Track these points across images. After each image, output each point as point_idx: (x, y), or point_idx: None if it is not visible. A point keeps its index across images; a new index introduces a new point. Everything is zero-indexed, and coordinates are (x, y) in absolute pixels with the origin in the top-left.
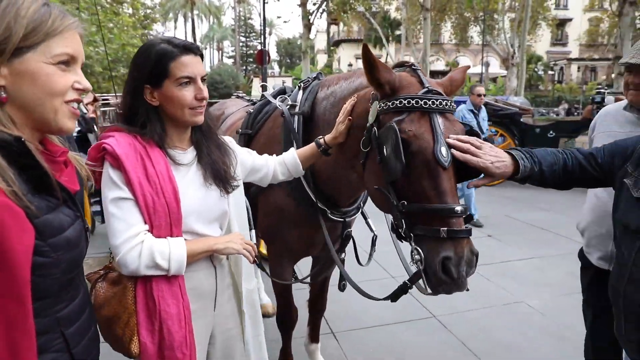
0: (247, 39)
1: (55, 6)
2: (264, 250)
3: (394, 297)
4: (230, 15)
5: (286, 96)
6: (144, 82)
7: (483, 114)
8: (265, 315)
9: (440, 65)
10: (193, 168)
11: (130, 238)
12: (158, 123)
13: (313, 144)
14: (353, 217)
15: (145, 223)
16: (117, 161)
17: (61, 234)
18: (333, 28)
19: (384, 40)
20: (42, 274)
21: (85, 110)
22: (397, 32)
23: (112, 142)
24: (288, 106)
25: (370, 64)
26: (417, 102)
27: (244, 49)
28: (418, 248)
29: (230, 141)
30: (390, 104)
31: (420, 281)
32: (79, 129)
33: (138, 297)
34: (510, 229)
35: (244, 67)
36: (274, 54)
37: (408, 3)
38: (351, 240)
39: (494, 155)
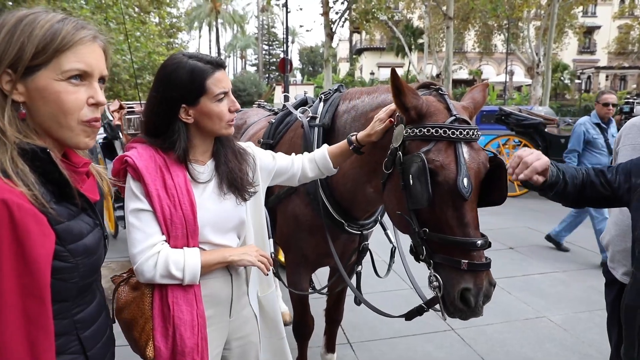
0: (270, 47)
1: (70, 21)
2: (282, 258)
3: (409, 316)
4: (254, 24)
5: (307, 107)
6: (179, 101)
7: (613, 129)
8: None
9: (463, 74)
10: (212, 182)
11: (147, 248)
12: (184, 139)
13: (345, 142)
14: (370, 230)
15: (163, 234)
16: (137, 173)
17: (80, 241)
18: (355, 36)
19: (407, 49)
20: (62, 278)
21: (111, 118)
22: (420, 41)
23: (134, 154)
24: (309, 118)
25: (398, 88)
26: (444, 132)
27: (267, 57)
28: (437, 275)
29: (249, 145)
30: (417, 130)
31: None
32: (104, 135)
33: (154, 303)
34: (532, 242)
35: (267, 75)
36: (296, 62)
37: (431, 11)
38: (369, 252)
39: (535, 156)
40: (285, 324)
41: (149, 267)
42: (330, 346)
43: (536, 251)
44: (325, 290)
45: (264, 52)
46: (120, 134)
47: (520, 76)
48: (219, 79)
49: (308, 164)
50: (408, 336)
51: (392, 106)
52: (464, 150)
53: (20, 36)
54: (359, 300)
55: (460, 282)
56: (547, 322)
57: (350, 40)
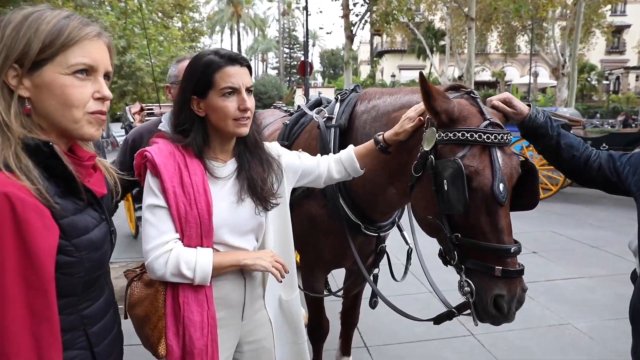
0: (291, 50)
1: (76, 17)
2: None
3: (438, 320)
4: (275, 27)
5: (323, 108)
6: (191, 92)
7: None
8: None
9: (486, 76)
10: (230, 182)
11: (159, 245)
12: (200, 133)
13: (371, 142)
14: (388, 232)
15: (177, 232)
16: (155, 169)
17: (85, 235)
18: (376, 39)
19: (428, 51)
20: (67, 273)
21: (132, 120)
22: (442, 43)
23: (154, 149)
24: (325, 118)
25: (427, 92)
26: (479, 137)
27: (288, 60)
28: (469, 281)
29: (276, 146)
30: (451, 135)
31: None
32: (126, 136)
33: (167, 301)
34: (556, 246)
35: (288, 78)
36: (317, 65)
37: (452, 13)
38: (385, 255)
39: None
40: None
41: (159, 264)
42: (345, 349)
43: (560, 256)
44: (341, 292)
45: (284, 55)
46: None
47: (544, 77)
48: (228, 74)
49: (334, 165)
50: (426, 340)
51: (422, 105)
52: (498, 154)
53: (26, 32)
54: (374, 302)
55: (493, 289)
56: (572, 330)
57: (371, 43)
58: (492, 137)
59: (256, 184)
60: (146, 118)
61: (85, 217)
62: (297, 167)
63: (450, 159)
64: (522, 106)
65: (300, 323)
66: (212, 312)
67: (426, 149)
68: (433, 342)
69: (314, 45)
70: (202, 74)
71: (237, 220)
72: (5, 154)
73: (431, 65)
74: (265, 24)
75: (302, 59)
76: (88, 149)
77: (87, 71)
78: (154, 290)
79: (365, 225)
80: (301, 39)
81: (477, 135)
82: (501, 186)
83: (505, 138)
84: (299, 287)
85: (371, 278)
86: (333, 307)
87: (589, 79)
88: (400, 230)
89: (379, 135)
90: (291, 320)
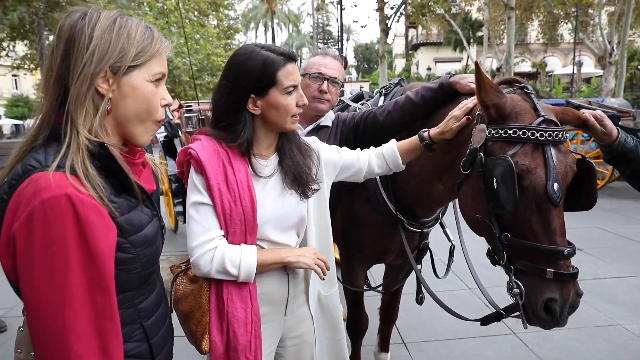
0: (326, 45)
1: (154, 28)
2: (337, 254)
3: (485, 321)
4: (309, 22)
5: (366, 101)
6: (248, 91)
7: None
8: None
9: (525, 67)
10: (273, 178)
11: (205, 242)
12: (250, 132)
13: (415, 138)
14: (431, 228)
15: (221, 229)
16: (200, 166)
17: (141, 232)
18: (411, 32)
19: (465, 43)
20: (125, 269)
21: (171, 117)
22: (479, 34)
23: (198, 147)
24: None
25: (480, 84)
26: (532, 134)
27: None
28: (519, 282)
29: (314, 140)
30: (502, 132)
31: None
32: (165, 133)
33: (211, 297)
34: (603, 243)
35: None
36: (351, 60)
37: (491, 3)
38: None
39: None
40: None
41: (205, 261)
42: (384, 345)
43: (608, 253)
44: (381, 288)
45: (319, 50)
46: (179, 132)
47: (589, 67)
48: (290, 72)
49: (375, 159)
50: (466, 338)
51: (469, 103)
52: (552, 152)
53: (119, 37)
54: (421, 299)
55: (544, 292)
56: (623, 331)
57: (406, 36)
58: (546, 135)
59: (300, 170)
60: (185, 115)
61: (139, 214)
62: (337, 161)
63: (500, 156)
64: (613, 128)
65: (339, 319)
66: (255, 309)
67: (475, 146)
68: (473, 340)
69: (348, 39)
70: (264, 72)
71: (281, 215)
72: (74, 159)
73: (468, 57)
74: (299, 19)
75: (336, 53)
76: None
77: (160, 80)
78: (198, 286)
79: (408, 221)
80: (335, 33)
81: (529, 133)
82: (555, 186)
83: (560, 135)
84: (338, 279)
85: (413, 274)
86: (372, 302)
87: (639, 67)
88: (443, 227)
89: (424, 131)
90: (330, 315)
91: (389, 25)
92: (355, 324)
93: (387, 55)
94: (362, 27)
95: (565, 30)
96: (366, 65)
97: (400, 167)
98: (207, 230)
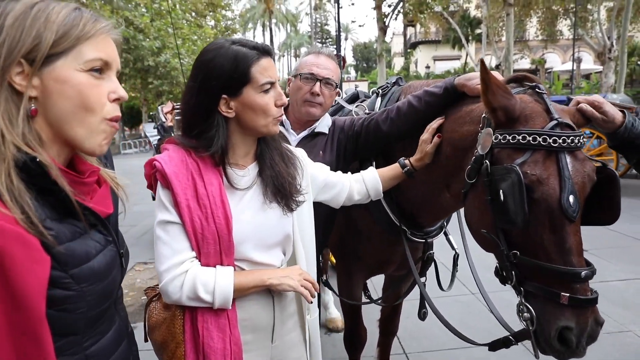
0: (324, 45)
1: (86, 10)
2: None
3: (493, 347)
4: (307, 22)
5: (361, 103)
6: (219, 91)
7: None
8: (334, 330)
9: (525, 64)
10: (252, 190)
11: (174, 266)
12: (225, 138)
13: (396, 165)
14: (435, 238)
15: (193, 250)
16: (165, 180)
17: (86, 264)
18: (410, 30)
19: (464, 41)
20: (65, 309)
21: (164, 119)
22: (478, 31)
23: (164, 158)
24: (365, 114)
25: (486, 84)
26: (544, 140)
27: None
28: (529, 306)
29: (302, 155)
30: (510, 137)
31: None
32: (159, 137)
33: (185, 327)
34: (610, 244)
35: None
36: (350, 59)
37: (489, 0)
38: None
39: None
40: (338, 331)
41: (174, 287)
42: (384, 359)
43: (616, 255)
44: (381, 301)
45: None
46: (172, 134)
47: (588, 63)
48: (265, 67)
49: (355, 184)
50: (470, 348)
51: (434, 124)
52: (568, 160)
53: (34, 22)
54: (424, 314)
55: (558, 319)
56: (634, 338)
57: (405, 34)
58: (560, 141)
59: (283, 180)
60: (176, 118)
61: (86, 243)
62: (322, 179)
63: (506, 165)
64: (615, 113)
65: (319, 346)
66: (235, 338)
67: (481, 152)
68: (477, 349)
69: (346, 38)
70: (235, 69)
71: (262, 232)
72: None
73: (467, 55)
74: (297, 19)
75: (335, 53)
76: (91, 161)
77: (102, 70)
78: (171, 314)
79: (411, 231)
80: (333, 33)
81: (540, 139)
82: (571, 198)
83: (576, 141)
84: (335, 292)
85: (417, 292)
86: (371, 312)
87: (639, 62)
88: (446, 234)
89: (404, 159)
90: (312, 342)
91: (386, 24)
92: (353, 337)
93: (385, 53)
94: (360, 26)
95: (564, 27)
96: (365, 65)
97: (379, 195)
98: (176, 253)
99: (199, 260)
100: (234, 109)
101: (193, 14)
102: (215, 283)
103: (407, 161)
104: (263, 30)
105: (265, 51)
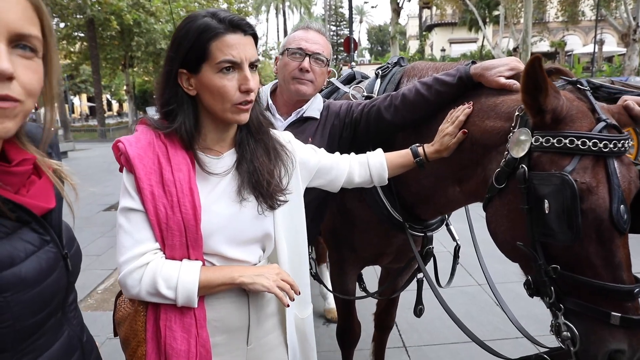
0: (338, 28)
1: None
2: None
3: None
4: (321, 5)
5: (359, 84)
6: (179, 64)
7: None
8: (332, 321)
9: (544, 46)
10: (227, 178)
11: (134, 258)
12: (190, 117)
13: (407, 151)
14: (436, 231)
15: (156, 241)
16: (129, 164)
17: (10, 269)
18: (425, 12)
19: (480, 23)
20: None
21: None
22: (495, 13)
23: (129, 139)
24: (363, 97)
25: (539, 84)
26: (594, 144)
27: (335, 37)
28: (571, 325)
29: (289, 136)
30: (554, 140)
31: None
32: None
33: (148, 324)
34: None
35: (335, 56)
36: (364, 42)
37: None
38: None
39: None
40: (333, 321)
41: (133, 280)
42: (379, 355)
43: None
44: (377, 295)
45: (331, 33)
46: None
47: (611, 45)
48: (228, 44)
49: (358, 167)
50: (471, 343)
51: (460, 115)
52: (616, 166)
53: None
54: (419, 311)
55: (608, 341)
56: None
57: (420, 17)
58: (611, 145)
59: (261, 177)
60: None
61: (13, 244)
62: (313, 164)
63: (555, 172)
64: None
65: (314, 349)
66: (203, 339)
67: (515, 156)
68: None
69: (361, 21)
70: (195, 42)
71: (235, 226)
72: None
73: (484, 37)
74: (311, 2)
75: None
76: (27, 149)
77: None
78: (134, 310)
79: (409, 224)
80: (347, 15)
81: (590, 143)
82: (622, 208)
83: (626, 145)
84: (326, 287)
85: (415, 283)
86: (366, 306)
87: None
88: (447, 224)
89: (418, 146)
90: (305, 342)
91: (400, 5)
92: (346, 333)
93: (399, 36)
94: (372, 7)
95: (586, 7)
96: (379, 48)
97: (383, 182)
98: (137, 243)
99: (164, 252)
100: (194, 86)
101: None
102: (178, 278)
103: (420, 149)
104: (277, 13)
105: (234, 25)
